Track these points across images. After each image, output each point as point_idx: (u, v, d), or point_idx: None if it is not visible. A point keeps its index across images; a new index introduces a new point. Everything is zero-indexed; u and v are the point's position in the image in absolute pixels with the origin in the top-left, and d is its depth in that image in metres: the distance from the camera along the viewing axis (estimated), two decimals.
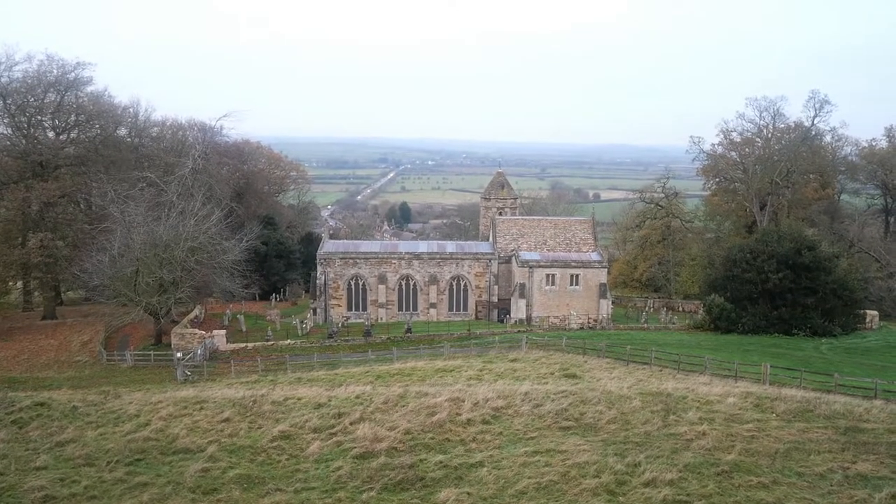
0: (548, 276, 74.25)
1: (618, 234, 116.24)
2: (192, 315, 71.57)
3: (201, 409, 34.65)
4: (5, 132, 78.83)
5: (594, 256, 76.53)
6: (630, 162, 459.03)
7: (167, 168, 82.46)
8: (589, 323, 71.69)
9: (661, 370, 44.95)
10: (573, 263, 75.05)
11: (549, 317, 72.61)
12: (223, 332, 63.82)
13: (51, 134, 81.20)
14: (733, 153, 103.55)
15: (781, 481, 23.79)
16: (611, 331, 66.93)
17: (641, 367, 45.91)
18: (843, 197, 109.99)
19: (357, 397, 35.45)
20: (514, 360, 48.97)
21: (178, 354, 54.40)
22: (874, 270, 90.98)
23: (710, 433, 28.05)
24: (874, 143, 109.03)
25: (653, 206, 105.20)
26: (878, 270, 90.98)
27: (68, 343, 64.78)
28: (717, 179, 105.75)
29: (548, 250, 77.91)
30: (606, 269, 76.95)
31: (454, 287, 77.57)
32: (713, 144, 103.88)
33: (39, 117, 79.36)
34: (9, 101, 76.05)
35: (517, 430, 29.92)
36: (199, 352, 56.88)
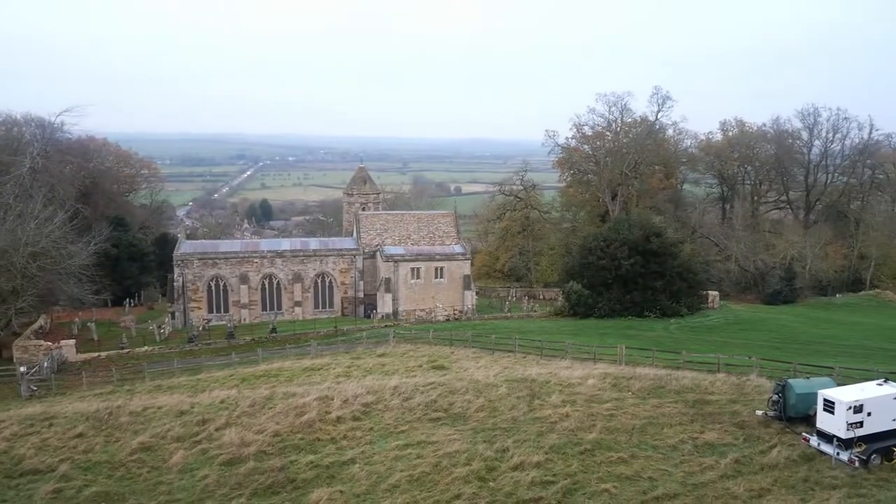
0: (413, 269, 74.83)
1: (479, 226, 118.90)
2: (36, 325, 66.53)
3: (51, 425, 32.38)
4: None
5: (457, 249, 77.88)
6: (490, 156, 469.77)
7: (2, 168, 76.15)
8: (455, 314, 72.93)
9: (525, 357, 46.47)
10: (437, 256, 76.04)
11: (415, 310, 73.22)
12: (72, 342, 59.82)
13: None
14: (586, 146, 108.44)
15: (639, 455, 25.32)
16: (476, 321, 68.43)
17: (506, 355, 47.27)
18: (685, 186, 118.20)
19: (222, 402, 34.34)
20: (382, 355, 49.05)
21: (22, 368, 50.42)
22: (714, 254, 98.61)
23: (572, 415, 29.36)
24: (711, 136, 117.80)
25: (512, 198, 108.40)
26: (718, 254, 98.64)
27: None
28: (572, 171, 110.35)
29: (412, 244, 78.48)
30: (470, 261, 78.55)
31: (319, 284, 76.60)
32: (567, 138, 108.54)
33: None
34: None
35: (388, 424, 30.04)
36: (45, 364, 53.00)
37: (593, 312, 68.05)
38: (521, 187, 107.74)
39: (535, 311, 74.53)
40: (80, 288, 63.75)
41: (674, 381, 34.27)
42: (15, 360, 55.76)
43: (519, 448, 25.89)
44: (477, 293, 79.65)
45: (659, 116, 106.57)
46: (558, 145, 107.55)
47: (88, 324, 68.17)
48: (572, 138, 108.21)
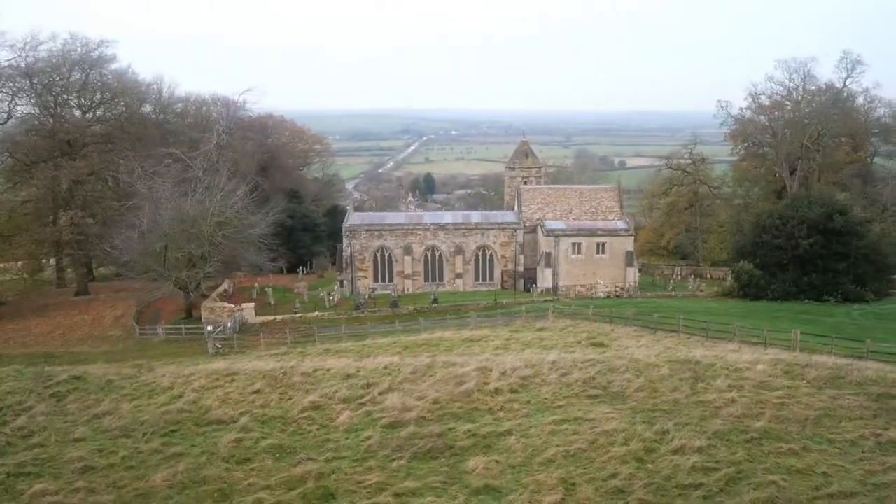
0: (574, 244, 73.92)
1: (644, 201, 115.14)
2: (221, 289, 72.42)
3: (233, 381, 35.17)
4: (33, 112, 79.74)
5: (620, 224, 75.99)
6: (656, 128, 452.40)
7: (192, 144, 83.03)
8: (616, 291, 71.43)
9: (689, 338, 44.72)
10: (599, 232, 74.60)
11: (575, 286, 72.42)
12: (252, 305, 64.55)
13: (77, 112, 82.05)
14: (762, 117, 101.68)
15: (812, 448, 23.67)
16: (638, 299, 66.65)
17: (669, 335, 45.69)
18: (876, 160, 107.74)
19: (385, 368, 35.75)
20: (540, 330, 49.00)
21: (209, 328, 55.20)
22: None
23: (739, 400, 27.93)
24: None
25: (680, 172, 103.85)
26: None
27: (101, 318, 65.94)
28: (746, 144, 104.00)
29: (573, 219, 77.47)
30: (633, 237, 76.40)
31: (480, 257, 77.55)
32: (741, 108, 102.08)
33: (65, 96, 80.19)
34: (35, 81, 76.79)
35: (545, 398, 30.02)
36: (229, 325, 57.66)
37: (765, 294, 64.11)
38: (690, 161, 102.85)
39: (700, 291, 71.42)
40: (259, 255, 68.44)
41: (855, 372, 31.60)
42: (203, 320, 61.03)
43: (680, 431, 25.02)
44: (640, 270, 77.50)
45: (847, 83, 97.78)
46: (731, 116, 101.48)
47: (266, 289, 73.13)
48: (747, 108, 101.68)
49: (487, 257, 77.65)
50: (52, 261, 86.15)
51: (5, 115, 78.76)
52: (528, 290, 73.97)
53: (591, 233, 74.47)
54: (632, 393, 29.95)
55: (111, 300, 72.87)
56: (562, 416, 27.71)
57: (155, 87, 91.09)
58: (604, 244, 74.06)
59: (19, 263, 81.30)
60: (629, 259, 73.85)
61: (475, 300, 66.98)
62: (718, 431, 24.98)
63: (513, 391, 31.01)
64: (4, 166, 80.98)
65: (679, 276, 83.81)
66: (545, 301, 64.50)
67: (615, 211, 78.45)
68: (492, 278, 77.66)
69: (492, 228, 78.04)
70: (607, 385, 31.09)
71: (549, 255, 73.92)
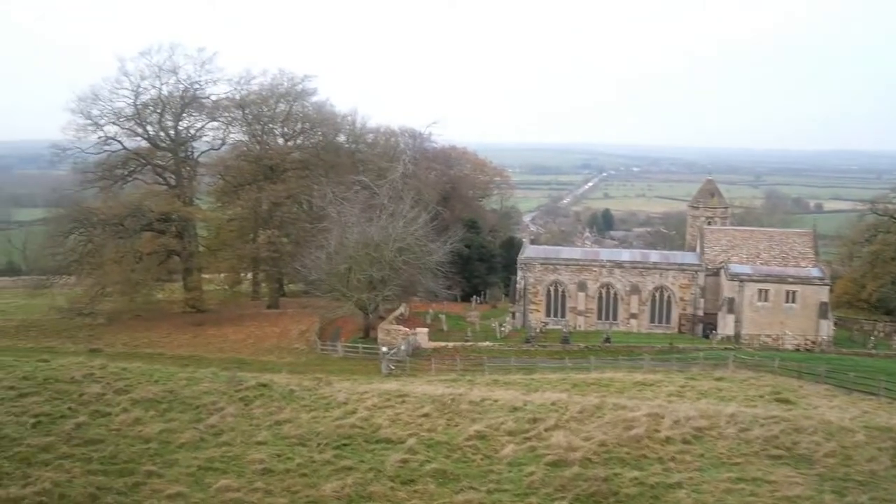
0: (760, 291, 69.49)
1: (843, 248, 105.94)
2: (397, 312, 75.06)
3: (403, 402, 36.12)
4: (243, 139, 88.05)
5: (814, 272, 70.52)
6: (858, 169, 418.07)
7: (380, 172, 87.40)
8: (805, 345, 66.17)
9: (890, 403, 40.45)
10: (790, 279, 69.65)
11: (759, 335, 67.98)
12: (425, 330, 66.29)
13: (280, 140, 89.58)
14: None
15: None
16: (831, 355, 61.27)
17: (867, 398, 41.57)
18: None
19: (553, 404, 35.25)
20: (719, 379, 46.34)
21: (384, 349, 57.39)
22: None
23: None
24: None
25: (887, 218, 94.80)
26: None
27: (288, 331, 70.53)
28: None
29: (761, 263, 72.97)
30: (828, 287, 70.56)
31: (657, 298, 74.91)
32: None
33: (271, 125, 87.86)
34: (246, 112, 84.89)
35: (720, 453, 28.25)
36: (402, 347, 59.58)
37: None
38: None
39: None
40: (436, 282, 70.48)
41: None
42: (378, 341, 63.57)
43: None
44: (834, 324, 71.32)
45: None
46: None
47: (440, 315, 74.85)
48: None
49: (665, 299, 74.84)
50: (250, 275, 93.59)
51: (220, 142, 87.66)
52: (707, 337, 70.33)
53: (781, 279, 69.70)
54: (820, 458, 27.45)
55: (297, 315, 77.76)
56: (738, 474, 25.92)
57: (349, 118, 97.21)
58: (794, 293, 68.97)
59: (222, 275, 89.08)
60: (823, 310, 68.19)
61: (649, 342, 64.71)
62: None
63: (685, 441, 29.46)
64: (216, 187, 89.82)
65: (881, 334, 76.12)
66: (725, 349, 61.01)
67: (808, 257, 72.99)
68: (668, 321, 74.69)
69: (671, 269, 75.22)
70: (792, 446, 28.73)
71: (731, 300, 69.98)
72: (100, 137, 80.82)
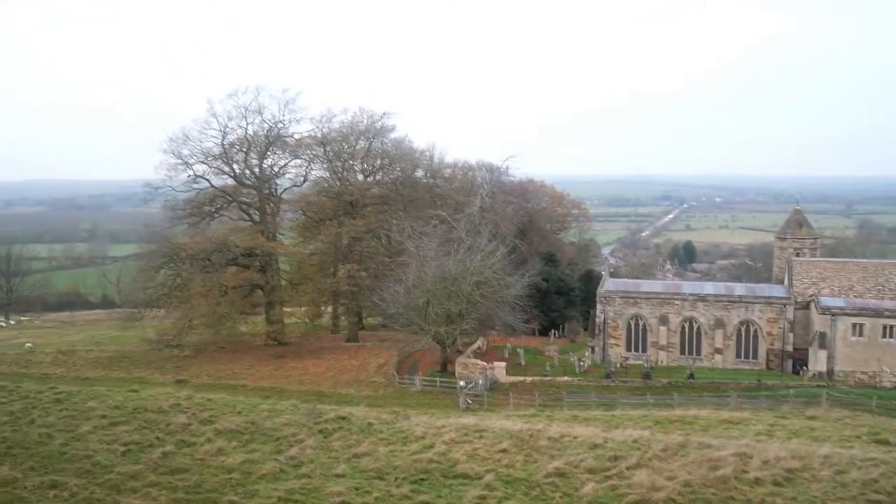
0: (854, 325, 66.24)
1: None
2: (474, 346, 74.86)
3: (481, 437, 35.86)
4: (324, 175, 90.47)
5: None
6: None
7: (457, 206, 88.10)
8: None
9: None
10: (887, 313, 66.16)
11: (854, 372, 64.65)
12: (503, 364, 65.82)
13: (360, 176, 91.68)
14: None
15: None
16: None
17: None
18: None
19: (634, 441, 34.33)
20: (811, 418, 44.21)
21: (462, 383, 57.20)
22: None
23: None
24: None
25: None
26: None
27: (367, 364, 71.20)
28: None
29: (854, 296, 69.64)
30: None
31: (742, 333, 72.33)
32: None
33: (351, 162, 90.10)
34: (328, 149, 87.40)
35: (814, 496, 26.85)
36: (480, 382, 59.27)
37: None
38: None
39: None
40: (514, 316, 69.99)
41: None
42: (456, 375, 63.40)
43: None
44: None
45: None
46: None
47: (517, 349, 74.24)
48: None
49: (751, 333, 72.17)
50: (330, 308, 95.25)
51: (302, 179, 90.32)
52: (798, 373, 67.33)
53: (877, 313, 66.29)
54: None
55: (376, 348, 78.50)
56: None
57: (427, 153, 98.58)
58: (892, 327, 65.44)
59: (303, 309, 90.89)
60: None
61: (735, 379, 62.35)
62: None
63: (776, 483, 28.14)
64: (298, 223, 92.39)
65: None
66: (817, 386, 58.20)
67: None
68: (755, 356, 71.90)
69: (757, 302, 72.63)
70: (893, 491, 27.06)
71: (823, 335, 66.91)
72: (189, 176, 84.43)
